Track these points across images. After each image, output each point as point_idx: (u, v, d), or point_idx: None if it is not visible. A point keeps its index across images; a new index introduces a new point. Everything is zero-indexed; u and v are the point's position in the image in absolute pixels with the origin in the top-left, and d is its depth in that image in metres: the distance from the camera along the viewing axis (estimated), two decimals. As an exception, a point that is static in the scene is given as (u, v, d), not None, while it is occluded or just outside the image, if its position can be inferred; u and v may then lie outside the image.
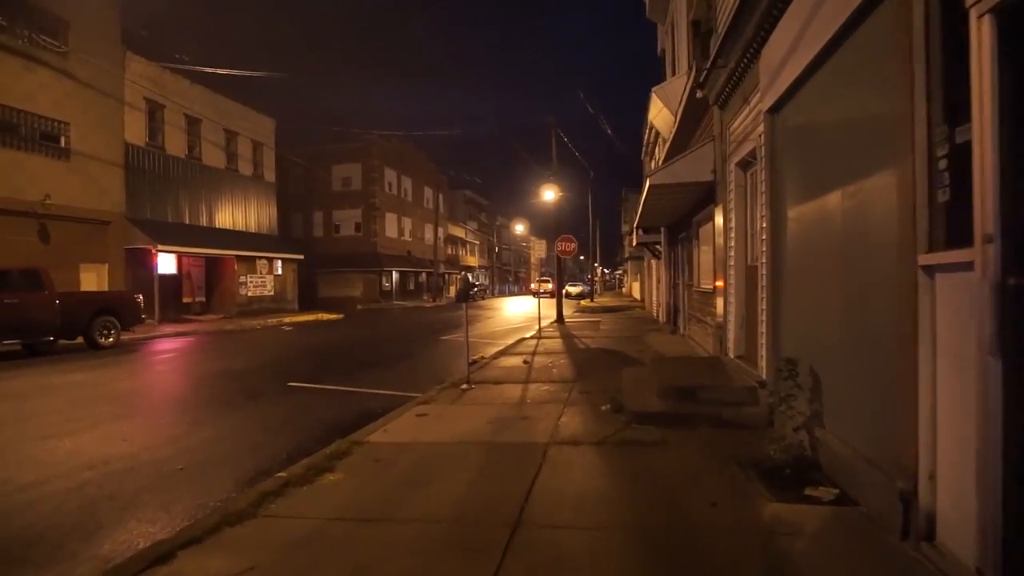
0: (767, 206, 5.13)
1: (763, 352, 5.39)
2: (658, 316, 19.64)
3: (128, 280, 20.62)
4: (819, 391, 3.99)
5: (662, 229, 16.31)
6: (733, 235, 6.61)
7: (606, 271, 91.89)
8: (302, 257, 30.76)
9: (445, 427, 5.63)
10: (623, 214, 51.95)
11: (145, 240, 20.97)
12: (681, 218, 12.33)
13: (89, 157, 19.67)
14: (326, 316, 26.69)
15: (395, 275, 42.01)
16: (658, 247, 17.86)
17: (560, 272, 21.88)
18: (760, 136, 5.38)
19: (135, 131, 21.84)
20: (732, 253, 6.67)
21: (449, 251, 54.00)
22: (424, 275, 46.06)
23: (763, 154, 5.25)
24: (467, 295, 7.69)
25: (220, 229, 26.04)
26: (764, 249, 5.31)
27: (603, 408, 6.08)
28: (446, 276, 50.23)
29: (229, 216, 26.92)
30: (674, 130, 10.31)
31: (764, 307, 5.33)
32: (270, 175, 30.07)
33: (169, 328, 19.34)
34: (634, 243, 21.39)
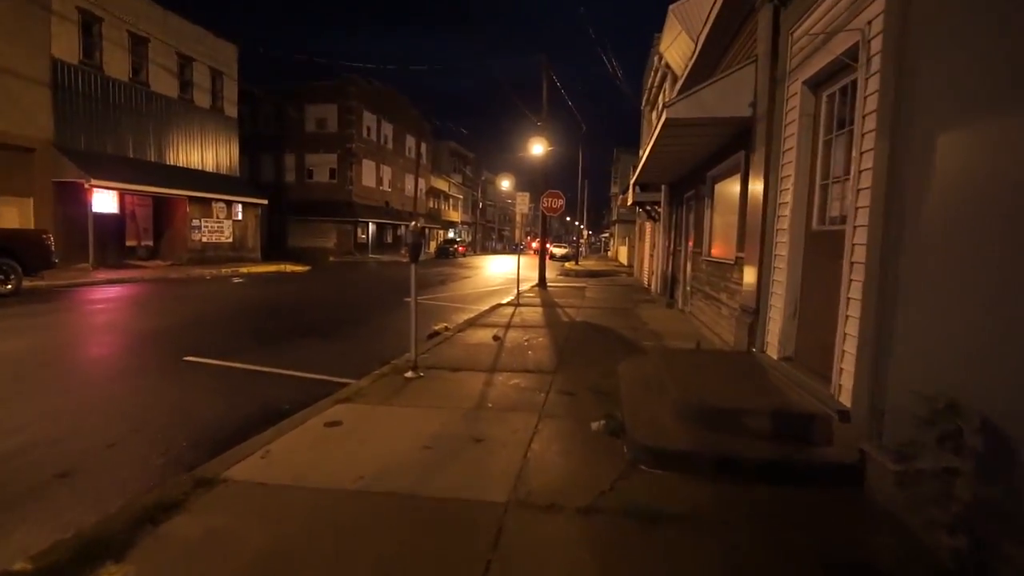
0: (881, 134, 3.16)
1: (845, 366, 3.52)
2: (650, 285, 17.80)
3: (58, 218, 18.10)
4: (1012, 467, 2.15)
5: (663, 187, 14.28)
6: (791, 186, 4.64)
7: (591, 233, 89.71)
8: (265, 202, 28.08)
9: (357, 452, 3.73)
10: (614, 175, 49.65)
11: (77, 173, 18.28)
12: (692, 172, 10.32)
13: (6, 71, 16.85)
14: (291, 268, 24.46)
15: (371, 227, 39.49)
16: (657, 208, 15.84)
17: (544, 232, 19.81)
18: (869, 23, 3.37)
19: (65, 46, 18.83)
20: (787, 212, 4.72)
21: (431, 204, 51.33)
22: (403, 228, 43.55)
23: (879, 48, 3.25)
24: (417, 251, 5.69)
25: (170, 166, 23.27)
26: (862, 205, 3.37)
27: (594, 426, 4.22)
28: (427, 231, 47.74)
29: (182, 152, 24.10)
30: (695, 56, 8.19)
31: (855, 296, 3.43)
32: (231, 109, 27.08)
33: (102, 275, 17.03)
34: (629, 202, 19.26)
